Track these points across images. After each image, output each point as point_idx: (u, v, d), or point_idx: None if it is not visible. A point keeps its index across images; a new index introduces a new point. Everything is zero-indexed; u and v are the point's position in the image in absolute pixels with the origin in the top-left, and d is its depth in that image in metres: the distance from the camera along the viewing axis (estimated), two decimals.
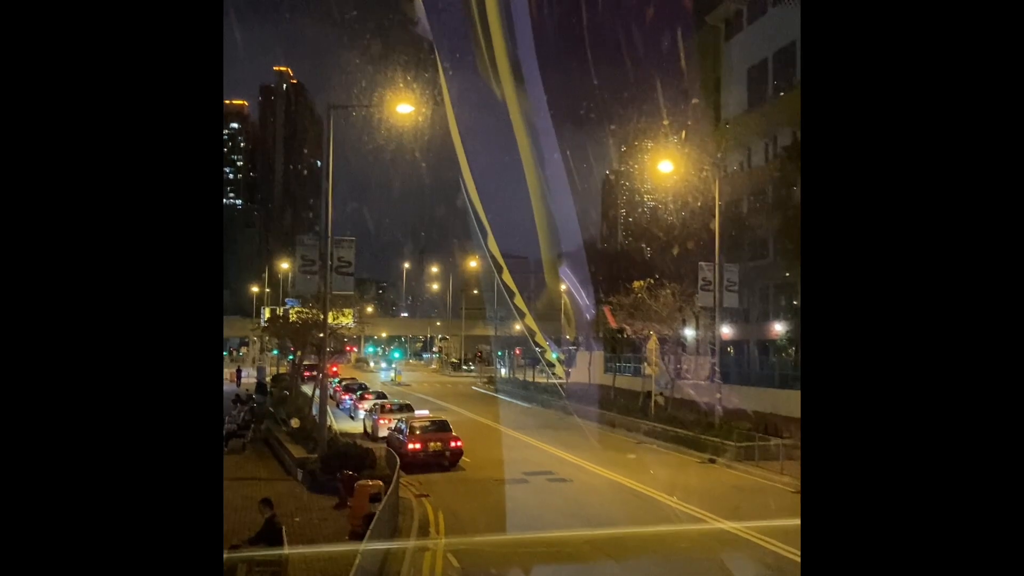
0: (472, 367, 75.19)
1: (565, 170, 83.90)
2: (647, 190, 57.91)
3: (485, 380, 59.26)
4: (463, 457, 21.53)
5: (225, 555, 8.88)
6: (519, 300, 62.63)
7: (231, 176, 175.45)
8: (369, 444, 22.54)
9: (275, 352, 53.92)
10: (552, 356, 59.56)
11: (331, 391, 36.07)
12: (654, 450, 24.63)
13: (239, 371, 51.44)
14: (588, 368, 47.11)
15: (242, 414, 28.20)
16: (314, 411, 26.35)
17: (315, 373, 36.06)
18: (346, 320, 35.32)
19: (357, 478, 15.45)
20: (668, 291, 29.99)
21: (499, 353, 70.71)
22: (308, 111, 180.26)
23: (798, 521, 3.34)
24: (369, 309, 48.72)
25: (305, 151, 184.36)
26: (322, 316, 23.11)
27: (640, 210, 61.99)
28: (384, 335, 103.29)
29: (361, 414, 31.12)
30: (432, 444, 21.08)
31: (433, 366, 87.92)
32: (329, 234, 20.62)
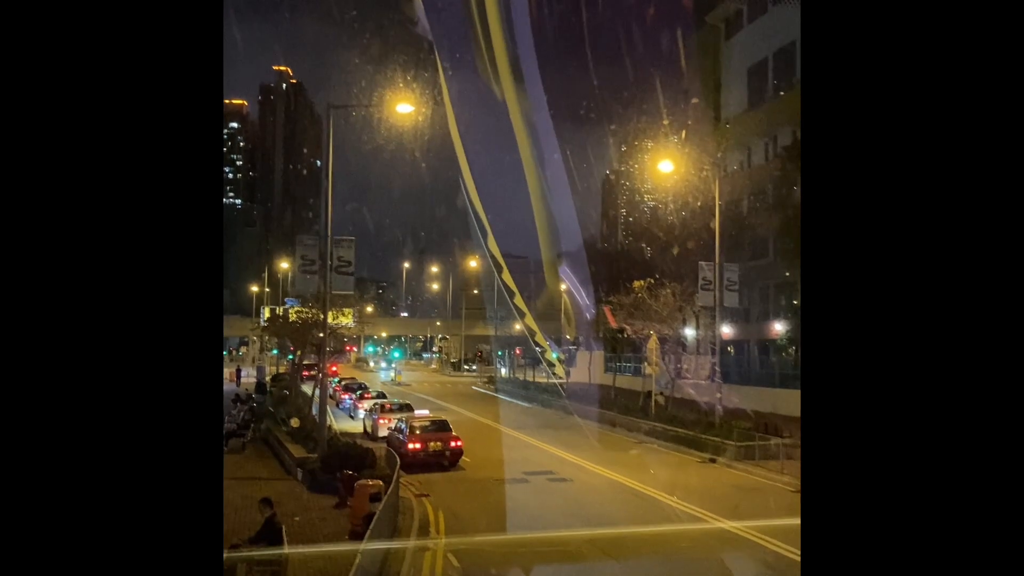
0: (472, 367, 75.13)
1: (565, 170, 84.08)
2: (647, 190, 57.90)
3: (485, 380, 59.22)
4: (463, 457, 21.51)
5: (225, 554, 8.88)
6: (519, 300, 62.53)
7: (231, 176, 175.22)
8: (369, 444, 22.53)
9: (275, 352, 53.97)
10: (552, 356, 59.47)
11: (331, 391, 36.03)
12: (654, 450, 24.63)
13: (239, 370, 51.45)
14: (588, 368, 47.15)
15: (242, 413, 28.21)
16: (314, 411, 26.33)
17: (315, 373, 36.10)
18: (346, 320, 35.32)
19: (357, 478, 15.44)
20: (668, 291, 29.96)
21: (499, 353, 70.70)
22: (308, 111, 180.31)
23: (798, 520, 3.34)
24: (369, 309, 48.70)
25: (305, 151, 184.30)
26: (322, 316, 23.11)
27: (640, 210, 61.99)
28: (384, 335, 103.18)
29: (361, 414, 31.08)
30: (432, 444, 21.06)
31: (433, 366, 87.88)
32: (329, 234, 20.60)
